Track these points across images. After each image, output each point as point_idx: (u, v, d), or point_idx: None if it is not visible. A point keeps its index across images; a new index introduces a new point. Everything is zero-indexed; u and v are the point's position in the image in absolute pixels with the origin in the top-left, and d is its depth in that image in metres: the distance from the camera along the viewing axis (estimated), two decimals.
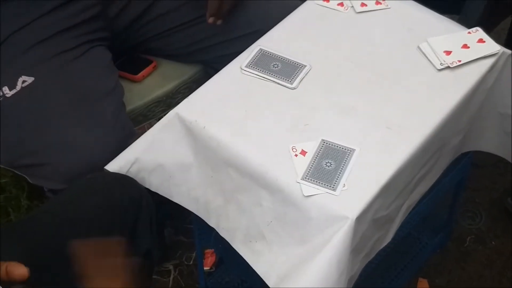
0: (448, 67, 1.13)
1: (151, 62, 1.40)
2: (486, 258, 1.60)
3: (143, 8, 1.34)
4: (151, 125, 1.15)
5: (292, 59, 1.14)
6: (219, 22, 1.29)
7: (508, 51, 1.16)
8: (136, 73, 1.37)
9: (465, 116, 1.16)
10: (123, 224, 1.01)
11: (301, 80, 1.12)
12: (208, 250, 1.48)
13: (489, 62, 1.14)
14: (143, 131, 1.14)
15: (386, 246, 1.09)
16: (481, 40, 1.17)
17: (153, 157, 1.09)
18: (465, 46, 1.16)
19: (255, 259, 1.03)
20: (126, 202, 1.02)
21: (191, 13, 1.33)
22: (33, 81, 1.19)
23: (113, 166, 1.10)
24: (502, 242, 1.62)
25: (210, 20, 1.28)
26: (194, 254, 1.57)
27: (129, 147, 1.11)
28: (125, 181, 1.06)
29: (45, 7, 1.24)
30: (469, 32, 1.19)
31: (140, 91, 1.36)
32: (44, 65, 1.21)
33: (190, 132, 1.07)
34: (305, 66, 1.13)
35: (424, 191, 1.15)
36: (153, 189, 1.11)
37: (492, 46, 1.16)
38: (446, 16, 1.25)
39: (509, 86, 1.18)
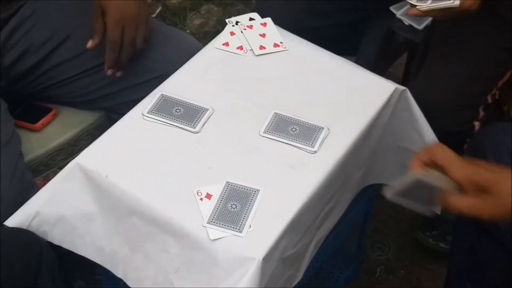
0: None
1: (50, 110, 1.36)
2: (396, 287, 1.64)
3: (41, 57, 1.31)
4: (55, 174, 1.12)
5: (194, 103, 1.15)
6: (118, 74, 1.28)
7: (401, 87, 1.21)
8: (35, 122, 1.33)
9: (365, 151, 1.19)
10: (23, 281, 0.97)
11: (204, 123, 1.12)
12: None
13: (383, 98, 1.19)
14: (48, 180, 1.11)
15: (299, 281, 1.10)
16: None
17: (55, 209, 1.06)
18: None
19: None
20: (26, 258, 0.98)
21: (90, 61, 1.31)
22: None
23: (13, 221, 1.06)
24: (410, 270, 1.67)
25: (109, 72, 1.27)
26: None
27: (29, 200, 1.07)
28: (23, 236, 1.02)
29: None
30: None
31: (40, 140, 1.32)
32: None
33: (93, 181, 1.04)
34: (208, 109, 1.14)
35: (331, 227, 1.17)
36: (56, 243, 1.07)
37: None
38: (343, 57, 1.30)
39: (404, 120, 1.24)
